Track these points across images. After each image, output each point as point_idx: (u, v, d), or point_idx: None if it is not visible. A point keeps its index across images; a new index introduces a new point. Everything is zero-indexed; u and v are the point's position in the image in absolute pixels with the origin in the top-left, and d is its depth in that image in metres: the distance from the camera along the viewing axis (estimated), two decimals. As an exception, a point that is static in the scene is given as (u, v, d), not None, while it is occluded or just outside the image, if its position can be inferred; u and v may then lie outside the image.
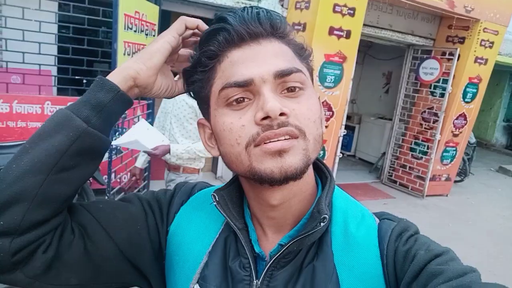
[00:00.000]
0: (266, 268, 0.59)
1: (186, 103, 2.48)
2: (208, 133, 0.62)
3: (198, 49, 0.59)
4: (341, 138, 4.85)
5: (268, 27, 0.57)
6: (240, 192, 0.66)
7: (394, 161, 6.37)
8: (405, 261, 0.56)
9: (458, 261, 0.55)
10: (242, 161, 0.55)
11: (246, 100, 0.55)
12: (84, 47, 3.62)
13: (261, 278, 0.59)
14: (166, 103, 2.63)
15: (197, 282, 0.63)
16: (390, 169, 6.42)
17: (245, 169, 0.55)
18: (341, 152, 5.00)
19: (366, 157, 7.64)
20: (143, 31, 3.34)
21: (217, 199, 0.61)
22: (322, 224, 0.56)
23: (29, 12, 3.35)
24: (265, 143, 0.53)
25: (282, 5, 4.52)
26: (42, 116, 3.63)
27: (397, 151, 6.31)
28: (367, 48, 7.58)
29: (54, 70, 3.79)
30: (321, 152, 4.66)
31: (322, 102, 4.41)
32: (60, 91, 4.19)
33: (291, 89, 0.55)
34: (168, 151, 2.43)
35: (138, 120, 2.95)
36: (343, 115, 4.71)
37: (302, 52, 0.61)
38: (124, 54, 3.03)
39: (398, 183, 6.26)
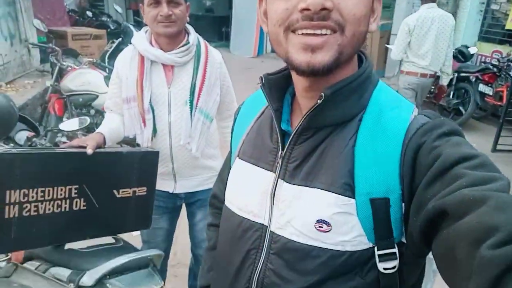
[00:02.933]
0: (289, 142, 0.68)
1: None
2: (264, 8, 0.67)
3: None
4: None
5: None
6: (287, 80, 0.72)
7: None
8: (429, 157, 0.56)
9: (490, 168, 0.52)
10: (280, 43, 0.61)
11: None
12: None
13: (285, 149, 0.69)
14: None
15: (238, 155, 0.79)
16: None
17: (283, 52, 0.61)
18: None
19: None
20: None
21: (263, 81, 0.70)
22: (319, 101, 0.62)
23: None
24: (302, 34, 0.57)
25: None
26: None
27: None
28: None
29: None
30: None
31: None
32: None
33: None
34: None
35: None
36: None
37: None
38: None
39: None
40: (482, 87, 5.19)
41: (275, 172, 0.70)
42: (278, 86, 0.72)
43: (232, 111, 1.68)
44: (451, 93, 5.36)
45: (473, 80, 5.22)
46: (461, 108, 5.30)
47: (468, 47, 5.73)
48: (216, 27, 12.22)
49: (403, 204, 0.60)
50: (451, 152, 0.54)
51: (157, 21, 1.45)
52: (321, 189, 0.64)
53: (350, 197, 0.62)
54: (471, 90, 5.16)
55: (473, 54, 5.71)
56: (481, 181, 0.49)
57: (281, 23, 0.59)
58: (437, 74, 4.03)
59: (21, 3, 5.61)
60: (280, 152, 0.70)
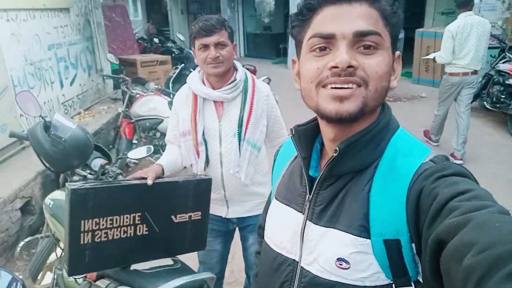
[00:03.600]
0: (314, 187, 0.76)
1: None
2: (297, 69, 0.76)
3: (303, 0, 0.70)
4: None
5: None
6: (316, 130, 0.80)
7: None
8: (428, 199, 0.60)
9: (484, 198, 0.55)
10: (312, 97, 0.69)
11: (327, 49, 0.67)
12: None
13: (312, 194, 0.76)
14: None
15: (275, 196, 0.88)
16: None
17: (314, 105, 0.70)
18: None
19: None
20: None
21: (293, 132, 0.78)
22: (334, 154, 0.69)
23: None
24: (331, 88, 0.65)
25: None
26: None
27: None
28: None
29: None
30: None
31: None
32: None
33: (366, 47, 0.65)
34: None
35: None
36: None
37: (390, 17, 0.68)
38: None
39: None
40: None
41: (304, 214, 0.77)
42: (307, 136, 0.79)
43: (281, 139, 1.76)
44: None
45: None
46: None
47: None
48: (274, 44, 12.48)
49: (413, 245, 0.64)
50: (446, 190, 0.58)
51: (207, 63, 1.60)
52: (341, 230, 0.70)
53: (366, 238, 0.67)
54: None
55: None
56: (472, 209, 0.52)
57: (313, 80, 0.68)
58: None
59: (98, 38, 6.24)
60: (307, 196, 0.77)
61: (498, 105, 5.22)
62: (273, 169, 0.96)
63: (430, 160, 0.68)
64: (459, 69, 4.20)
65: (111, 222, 1.32)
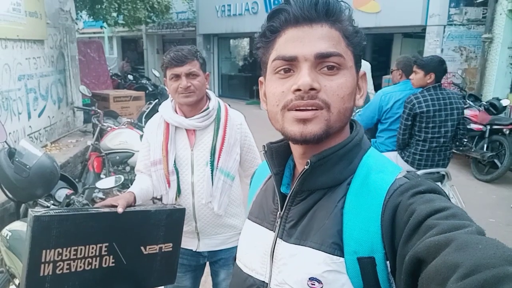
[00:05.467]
0: (286, 203, 0.74)
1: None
2: (263, 90, 0.76)
3: (266, 22, 0.71)
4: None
5: (322, 13, 0.66)
6: (289, 149, 0.79)
7: None
8: (404, 215, 0.60)
9: (461, 217, 0.54)
10: (278, 120, 0.70)
11: (291, 71, 0.67)
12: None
13: (283, 210, 0.75)
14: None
15: (248, 216, 0.86)
16: None
17: (279, 127, 0.70)
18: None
19: None
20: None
21: (265, 149, 0.77)
22: (306, 167, 0.68)
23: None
24: (295, 110, 0.66)
25: None
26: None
27: None
28: None
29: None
30: None
31: None
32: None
33: (329, 67, 0.66)
34: None
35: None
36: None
37: (352, 37, 0.69)
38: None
39: None
40: (517, 139, 5.06)
41: (275, 232, 0.75)
42: (279, 153, 0.78)
43: (255, 168, 1.75)
44: (485, 146, 5.24)
45: (507, 132, 5.10)
46: (496, 161, 5.14)
47: (500, 99, 5.67)
48: (248, 85, 12.78)
49: (388, 263, 0.63)
50: (423, 207, 0.57)
51: (178, 92, 1.59)
52: (313, 248, 0.67)
53: (340, 256, 0.65)
54: (505, 142, 5.03)
55: (505, 107, 5.63)
56: (451, 228, 0.51)
57: (278, 103, 0.68)
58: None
59: (70, 71, 6.18)
60: (279, 212, 0.75)
61: (461, 148, 5.48)
62: (249, 190, 0.95)
63: (403, 176, 0.68)
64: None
65: (75, 252, 1.24)
